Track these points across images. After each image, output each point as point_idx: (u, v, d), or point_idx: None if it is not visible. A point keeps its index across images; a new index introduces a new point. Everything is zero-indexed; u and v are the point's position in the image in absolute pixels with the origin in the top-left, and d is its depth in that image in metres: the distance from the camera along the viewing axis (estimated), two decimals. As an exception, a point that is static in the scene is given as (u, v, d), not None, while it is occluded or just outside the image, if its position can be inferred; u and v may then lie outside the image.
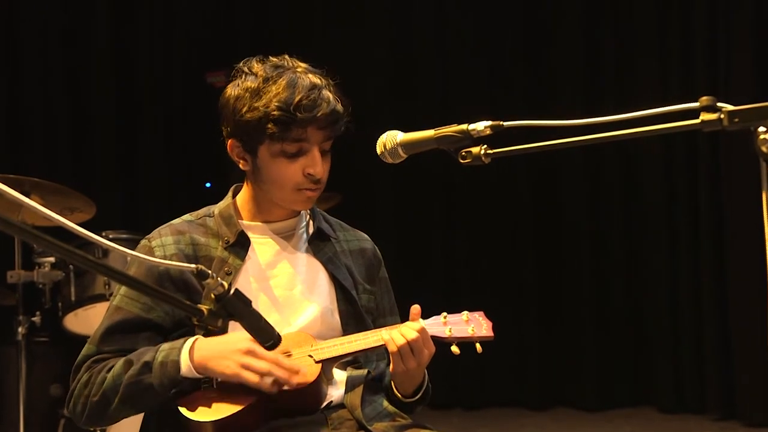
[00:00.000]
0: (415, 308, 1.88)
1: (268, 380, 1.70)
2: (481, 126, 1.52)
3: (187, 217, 1.99)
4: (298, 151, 1.86)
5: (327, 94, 1.86)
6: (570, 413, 5.03)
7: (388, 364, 1.87)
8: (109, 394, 1.77)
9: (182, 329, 1.84)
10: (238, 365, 1.70)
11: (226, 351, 1.71)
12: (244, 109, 1.84)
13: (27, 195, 3.50)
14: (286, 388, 1.73)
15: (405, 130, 1.65)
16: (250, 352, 1.71)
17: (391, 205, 5.33)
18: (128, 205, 5.17)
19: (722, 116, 1.30)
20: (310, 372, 1.79)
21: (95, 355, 1.84)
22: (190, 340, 1.76)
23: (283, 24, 5.43)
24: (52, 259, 3.79)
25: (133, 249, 1.78)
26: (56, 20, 5.07)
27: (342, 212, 2.42)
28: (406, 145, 1.62)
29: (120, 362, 1.78)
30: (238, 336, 1.73)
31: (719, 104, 1.31)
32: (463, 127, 1.53)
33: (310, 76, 1.87)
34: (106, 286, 3.72)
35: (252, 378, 1.70)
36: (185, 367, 1.72)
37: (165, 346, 1.77)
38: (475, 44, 5.25)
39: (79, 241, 3.08)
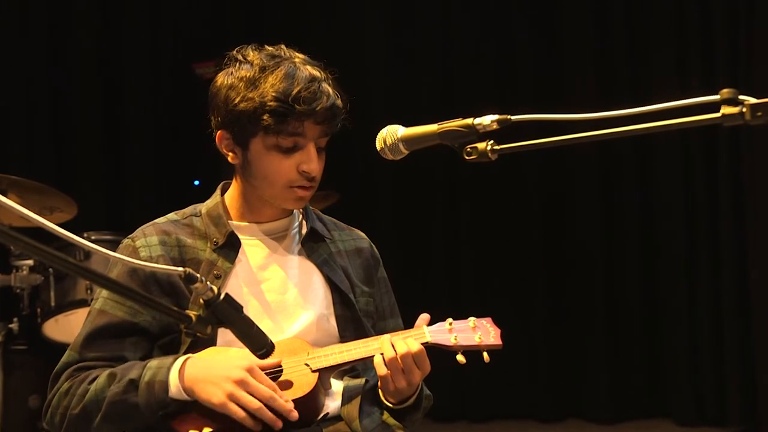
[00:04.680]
0: (424, 317, 1.88)
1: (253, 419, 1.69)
2: (487, 120, 1.51)
3: (172, 216, 1.97)
4: (293, 146, 1.85)
5: (327, 87, 1.86)
6: (582, 425, 5.02)
7: None
8: (91, 409, 1.75)
9: (170, 335, 1.82)
10: (225, 395, 1.68)
11: (216, 377, 1.69)
12: (238, 99, 1.83)
13: (4, 193, 3.50)
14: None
15: (407, 124, 1.64)
16: (242, 383, 1.69)
17: (392, 203, 5.31)
18: (112, 204, 5.15)
19: (744, 110, 1.30)
20: (306, 382, 1.77)
21: (77, 363, 1.82)
22: (181, 358, 1.73)
23: (277, 12, 5.41)
24: (30, 262, 3.79)
25: (115, 251, 1.77)
26: (39, 11, 5.06)
27: (340, 211, 2.41)
28: (407, 141, 1.61)
29: (104, 375, 1.76)
30: (233, 361, 1.70)
31: (741, 97, 1.31)
32: (468, 121, 1.53)
33: (308, 67, 1.87)
34: (88, 291, 3.72)
35: (238, 413, 1.68)
36: (174, 388, 1.70)
37: (153, 363, 1.74)
38: (480, 33, 5.23)
39: (60, 243, 3.07)
